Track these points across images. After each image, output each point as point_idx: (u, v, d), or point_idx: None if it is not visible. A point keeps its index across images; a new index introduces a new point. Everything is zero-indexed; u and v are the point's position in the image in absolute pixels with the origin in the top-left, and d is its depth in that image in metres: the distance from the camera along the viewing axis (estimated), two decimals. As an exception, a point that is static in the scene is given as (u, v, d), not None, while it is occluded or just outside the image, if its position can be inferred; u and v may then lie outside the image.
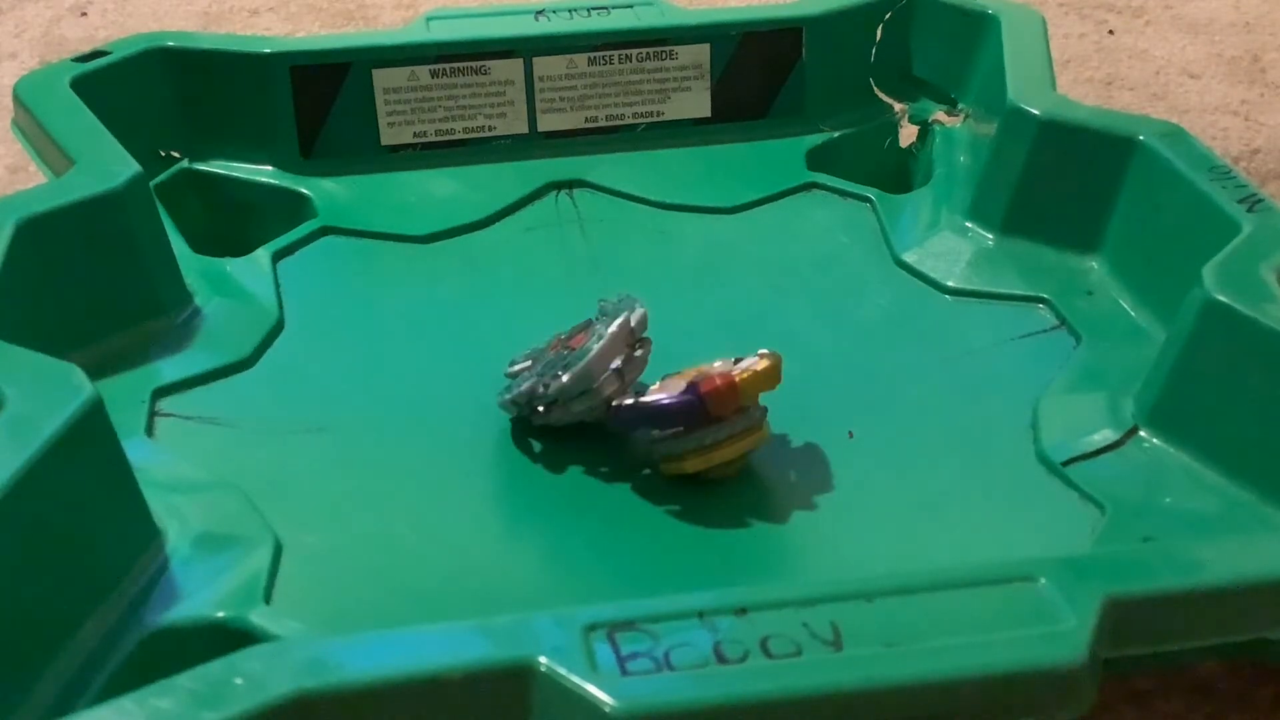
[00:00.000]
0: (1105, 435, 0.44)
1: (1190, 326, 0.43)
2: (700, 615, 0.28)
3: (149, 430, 0.44)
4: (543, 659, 0.28)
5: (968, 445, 0.45)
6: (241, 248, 0.55)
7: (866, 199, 0.59)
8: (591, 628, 0.29)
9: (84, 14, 0.88)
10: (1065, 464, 0.43)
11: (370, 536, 0.41)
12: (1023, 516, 0.42)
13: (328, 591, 0.38)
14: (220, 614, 0.36)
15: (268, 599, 0.37)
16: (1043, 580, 0.30)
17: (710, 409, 0.41)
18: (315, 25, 0.86)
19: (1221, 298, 0.42)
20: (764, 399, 0.43)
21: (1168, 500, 0.41)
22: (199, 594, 0.37)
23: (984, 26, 0.60)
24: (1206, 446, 0.42)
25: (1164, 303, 0.48)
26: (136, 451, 0.41)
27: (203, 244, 0.55)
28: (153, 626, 0.36)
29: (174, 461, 0.43)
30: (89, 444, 0.36)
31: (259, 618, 0.36)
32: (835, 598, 0.30)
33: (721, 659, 0.28)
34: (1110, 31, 0.84)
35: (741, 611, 0.29)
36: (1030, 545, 0.41)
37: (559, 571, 0.40)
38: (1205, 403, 0.42)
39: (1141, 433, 0.44)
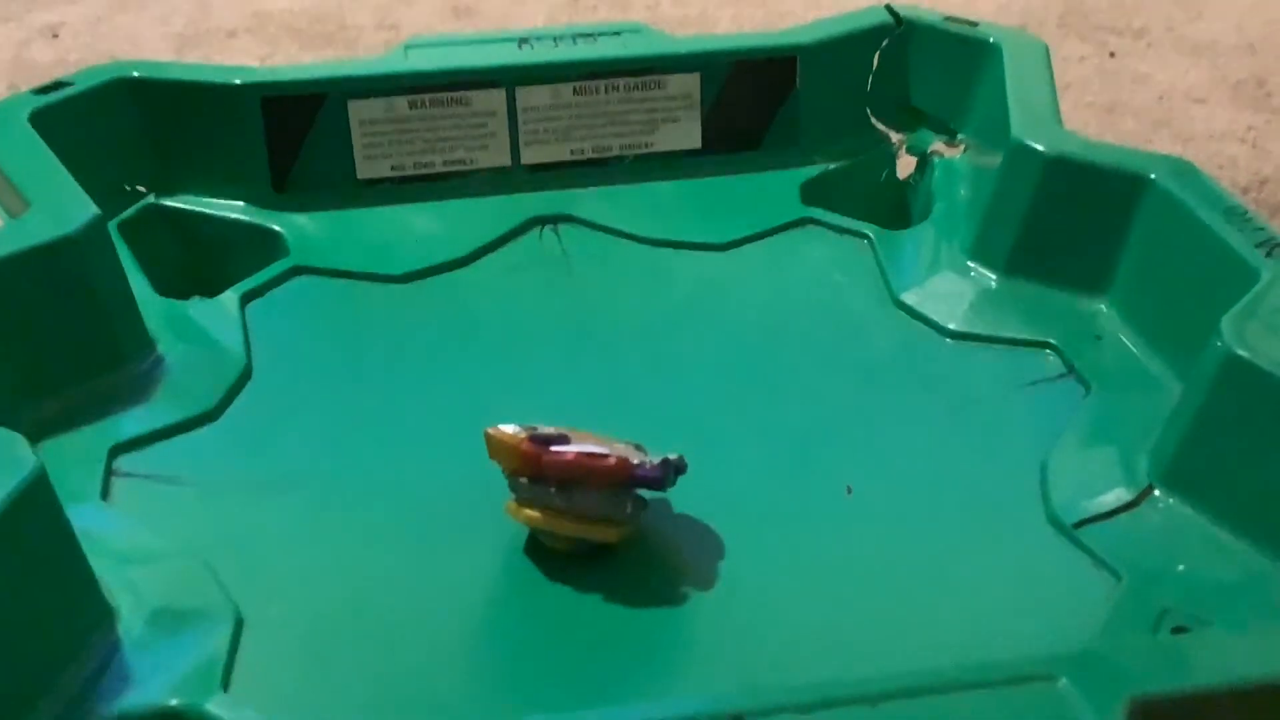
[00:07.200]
0: (1119, 495, 0.42)
1: (1209, 382, 0.40)
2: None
3: (105, 493, 0.42)
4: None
5: (973, 504, 0.43)
6: (211, 286, 0.53)
7: (864, 235, 0.56)
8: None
9: (55, 35, 0.86)
10: (1077, 526, 0.41)
11: (339, 608, 0.39)
12: (1033, 583, 0.40)
13: (288, 674, 0.36)
14: (174, 701, 0.34)
15: (226, 685, 0.35)
16: (1063, 680, 0.28)
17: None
18: (294, 48, 0.84)
19: (1243, 353, 0.39)
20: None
21: (1185, 567, 0.39)
22: (152, 679, 0.34)
23: (985, 55, 0.58)
24: (1226, 509, 0.40)
25: (1177, 350, 0.46)
26: (90, 518, 0.39)
27: (170, 283, 0.52)
28: (103, 716, 0.33)
29: (130, 528, 0.40)
30: (31, 519, 0.34)
31: (216, 707, 0.34)
32: (837, 702, 0.27)
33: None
34: (1111, 54, 0.82)
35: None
36: (1041, 616, 0.38)
37: (539, 663, 0.37)
38: (1225, 462, 0.40)
39: (1156, 492, 0.42)
